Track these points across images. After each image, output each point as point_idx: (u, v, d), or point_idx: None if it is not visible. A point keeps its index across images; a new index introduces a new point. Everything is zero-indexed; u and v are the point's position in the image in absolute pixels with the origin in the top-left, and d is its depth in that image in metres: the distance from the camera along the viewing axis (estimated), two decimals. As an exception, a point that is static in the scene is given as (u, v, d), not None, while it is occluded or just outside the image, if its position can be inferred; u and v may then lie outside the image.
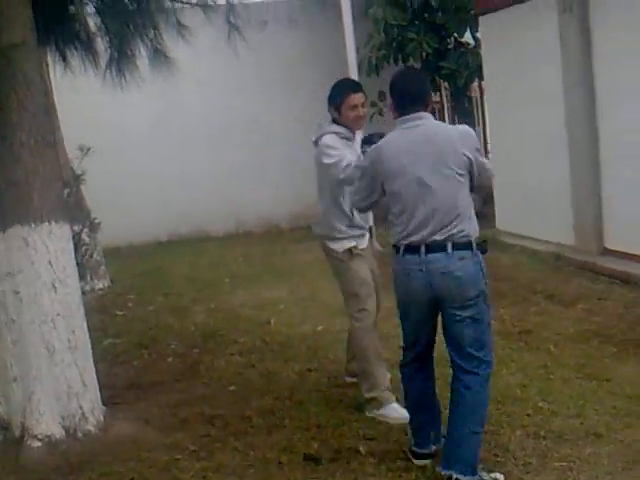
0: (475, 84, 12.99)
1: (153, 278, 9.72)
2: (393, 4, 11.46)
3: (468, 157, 3.72)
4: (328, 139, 4.68)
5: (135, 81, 7.00)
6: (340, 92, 4.74)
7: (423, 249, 3.70)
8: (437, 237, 3.67)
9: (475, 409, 3.77)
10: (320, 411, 4.84)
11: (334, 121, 4.77)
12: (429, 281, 3.70)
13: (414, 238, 3.72)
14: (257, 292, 8.30)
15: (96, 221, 9.33)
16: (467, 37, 11.90)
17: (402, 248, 3.78)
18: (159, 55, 7.43)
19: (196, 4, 7.51)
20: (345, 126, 4.73)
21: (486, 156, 13.30)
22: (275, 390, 5.31)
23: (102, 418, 4.84)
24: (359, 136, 4.87)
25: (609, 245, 7.96)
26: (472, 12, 10.81)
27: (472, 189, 3.80)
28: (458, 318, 3.72)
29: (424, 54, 11.66)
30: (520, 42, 9.23)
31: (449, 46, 12.02)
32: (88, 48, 6.70)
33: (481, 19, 10.34)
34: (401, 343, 4.10)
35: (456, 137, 3.79)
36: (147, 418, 5.02)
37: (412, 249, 3.74)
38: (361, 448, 4.26)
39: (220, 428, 4.78)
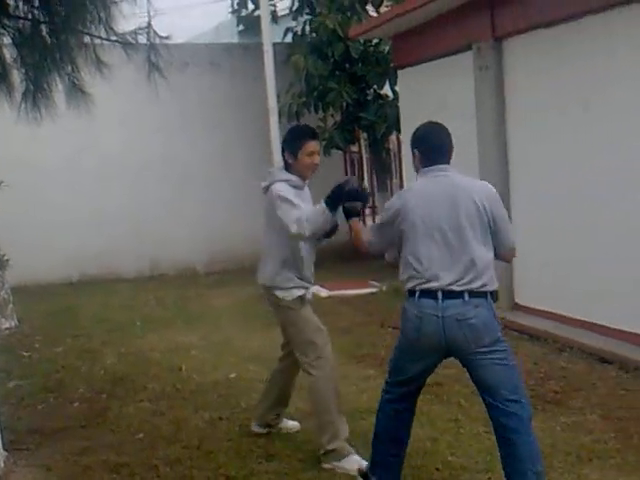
0: (393, 136, 13.24)
1: (62, 319, 9.46)
2: (315, 54, 11.65)
3: (489, 212, 3.87)
4: (280, 187, 4.56)
5: (51, 116, 6.88)
6: (299, 137, 4.67)
7: (440, 295, 3.79)
8: (455, 287, 3.77)
9: (531, 449, 3.80)
10: (229, 461, 4.75)
11: (286, 168, 4.70)
12: (443, 327, 3.78)
13: (432, 285, 3.81)
14: (169, 336, 8.16)
15: (4, 258, 9.06)
16: (386, 90, 12.17)
17: (418, 293, 3.84)
18: (76, 90, 7.33)
19: (116, 41, 7.44)
20: (298, 174, 4.65)
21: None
22: (184, 439, 5.19)
23: (2, 464, 4.67)
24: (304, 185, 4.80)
25: (519, 300, 8.13)
26: (392, 65, 11.05)
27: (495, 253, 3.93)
28: (481, 363, 3.81)
29: (344, 104, 11.85)
30: (437, 97, 9.45)
31: (369, 97, 12.26)
32: (3, 80, 6.57)
33: (400, 72, 10.56)
34: (387, 378, 4.15)
35: (477, 190, 3.95)
36: (49, 465, 4.86)
37: (429, 294, 3.81)
38: (270, 501, 4.21)
39: (125, 477, 4.65)
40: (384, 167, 13.54)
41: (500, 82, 8.19)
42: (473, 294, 3.76)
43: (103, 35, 7.39)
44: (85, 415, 5.82)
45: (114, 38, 7.48)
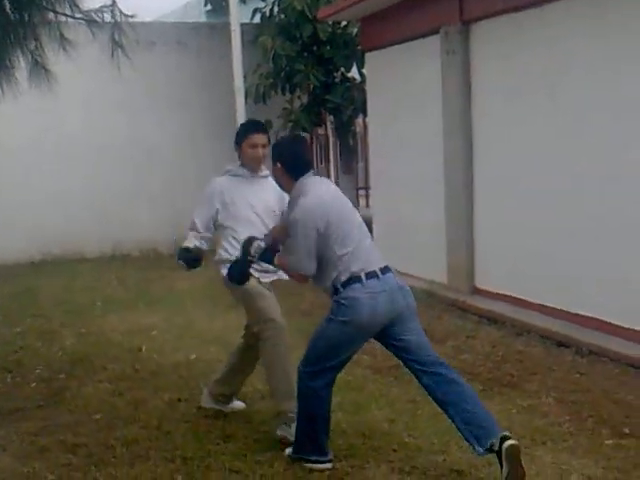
0: (360, 119, 13.25)
1: (22, 299, 9.35)
2: (283, 34, 11.60)
3: None
4: (210, 183, 5.01)
5: (13, 93, 6.79)
6: (243, 131, 4.98)
7: (379, 273, 4.12)
8: (384, 263, 4.20)
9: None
10: (187, 442, 4.75)
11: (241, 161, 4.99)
12: (392, 299, 4.13)
13: (372, 266, 4.14)
14: (130, 318, 8.11)
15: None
16: (354, 72, 12.15)
17: (363, 276, 4.11)
18: (39, 68, 7.23)
19: (81, 18, 7.34)
20: (246, 165, 4.93)
21: (367, 193, 13.55)
22: (142, 419, 5.17)
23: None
24: (267, 175, 4.97)
25: (479, 285, 8.21)
26: (359, 48, 11.03)
27: None
28: (417, 329, 4.33)
29: (311, 86, 11.82)
30: (404, 81, 9.47)
31: (336, 80, 12.24)
32: (-37, 56, 6.47)
33: (367, 55, 10.55)
34: (315, 365, 4.29)
35: None
36: (4, 445, 4.82)
37: (372, 275, 4.11)
38: (227, 481, 4.21)
39: (82, 457, 4.62)
40: (350, 150, 13.54)
41: (466, 66, 8.21)
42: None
43: (68, 12, 7.30)
44: (43, 395, 5.78)
45: (79, 16, 7.39)
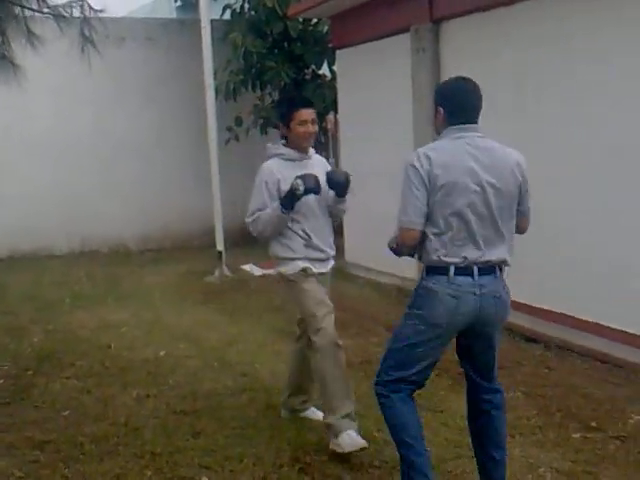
0: (331, 116, 13.22)
1: (-11, 296, 9.26)
2: (253, 31, 11.56)
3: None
4: (264, 168, 4.50)
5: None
6: (289, 107, 4.51)
7: (476, 271, 3.55)
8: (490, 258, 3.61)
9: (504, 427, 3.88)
10: (156, 438, 4.72)
11: (285, 141, 4.56)
12: (481, 305, 3.56)
13: (468, 259, 3.52)
14: (99, 314, 8.06)
15: None
16: (324, 69, 12.15)
17: (452, 270, 3.51)
18: (6, 62, 7.17)
19: (49, 13, 7.29)
20: (294, 145, 4.51)
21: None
22: (111, 416, 5.14)
23: None
24: (313, 153, 4.66)
25: (450, 280, 8.22)
26: (330, 45, 11.04)
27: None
28: (492, 343, 3.76)
29: (282, 83, 11.80)
30: (374, 79, 9.48)
31: (306, 77, 12.23)
32: None
33: (338, 53, 10.55)
34: (393, 373, 3.76)
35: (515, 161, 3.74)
36: (-30, 443, 4.77)
37: (464, 271, 3.52)
38: (196, 477, 4.19)
39: (50, 454, 4.58)
40: (321, 146, 13.52)
41: (436, 65, 8.23)
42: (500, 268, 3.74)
43: (35, 7, 7.24)
44: (10, 392, 5.72)
45: (46, 10, 7.34)
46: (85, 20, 7.11)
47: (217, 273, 10.00)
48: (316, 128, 4.50)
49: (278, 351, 6.36)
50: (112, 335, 7.17)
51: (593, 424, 4.72)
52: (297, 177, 4.31)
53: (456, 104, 3.74)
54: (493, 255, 3.61)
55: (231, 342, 6.81)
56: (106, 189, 12.47)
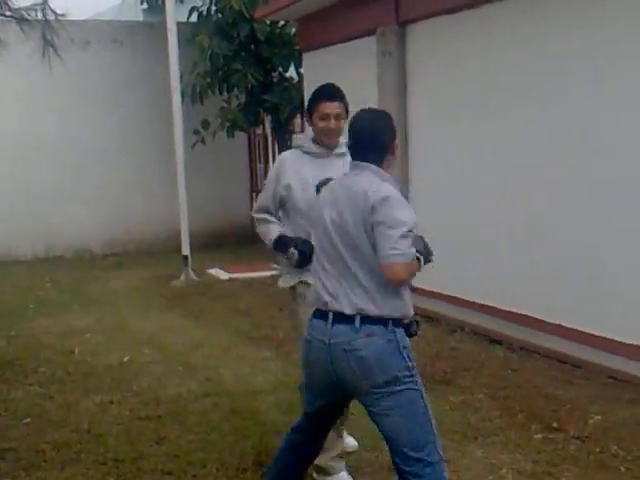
0: (298, 119, 13.23)
1: (-50, 302, 9.14)
2: (220, 34, 11.53)
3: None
4: (277, 160, 4.23)
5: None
6: (313, 100, 4.13)
7: (331, 316, 3.17)
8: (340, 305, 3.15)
9: None
10: (119, 444, 4.68)
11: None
12: (331, 357, 3.15)
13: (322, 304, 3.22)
14: (63, 319, 7.98)
15: None
16: (291, 72, 12.15)
17: (314, 309, 3.28)
18: (-33, 66, 7.09)
19: (11, 16, 7.22)
20: (317, 141, 4.08)
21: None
22: (73, 422, 5.08)
23: None
24: (344, 151, 3.95)
25: (416, 283, 8.24)
26: (297, 47, 11.04)
27: None
28: (376, 411, 3.16)
29: (249, 85, 11.78)
30: (340, 81, 9.37)
31: (274, 79, 12.21)
32: None
33: (305, 55, 10.56)
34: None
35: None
36: None
37: (322, 313, 3.22)
38: (158, 483, 4.18)
39: (11, 462, 4.52)
40: (288, 149, 13.51)
41: (402, 68, 8.25)
42: (366, 318, 3.12)
43: (-3, 10, 7.16)
44: (-30, 400, 5.65)
45: (9, 14, 7.26)
46: (47, 23, 7.04)
47: (183, 277, 9.95)
48: (341, 124, 4.04)
49: (243, 355, 6.36)
50: (76, 341, 7.10)
51: (554, 425, 4.74)
52: (297, 244, 3.87)
53: (350, 139, 3.36)
54: (345, 302, 3.14)
55: (196, 346, 6.78)
56: (71, 193, 12.36)
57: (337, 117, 4.03)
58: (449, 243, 7.58)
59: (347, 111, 4.06)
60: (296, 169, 4.05)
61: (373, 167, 3.26)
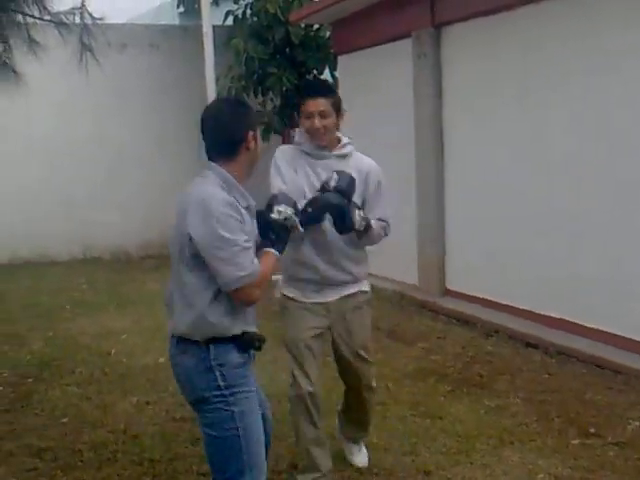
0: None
1: (-11, 303, 9.26)
2: (255, 37, 11.57)
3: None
4: (276, 152, 3.90)
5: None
6: (299, 98, 3.92)
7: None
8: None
9: None
10: (155, 445, 4.72)
11: None
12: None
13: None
14: (100, 321, 8.05)
15: None
16: (326, 75, 12.15)
17: None
18: (8, 70, 7.18)
19: (50, 20, 7.30)
20: (310, 142, 3.83)
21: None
22: (110, 423, 5.14)
23: None
24: (347, 153, 3.86)
25: (450, 286, 8.23)
26: (332, 51, 11.05)
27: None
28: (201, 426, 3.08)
29: (284, 89, 11.80)
30: (376, 84, 9.48)
31: (308, 83, 12.21)
32: None
33: (340, 58, 10.57)
34: None
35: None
36: (-31, 451, 4.77)
37: None
38: (194, 484, 4.20)
39: (48, 462, 4.58)
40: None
41: (438, 70, 8.25)
42: (181, 338, 3.02)
43: (36, 14, 7.24)
44: (9, 399, 5.71)
45: (47, 17, 7.34)
46: (85, 27, 7.11)
47: (218, 279, 9.97)
48: (329, 122, 3.71)
49: (276, 358, 6.33)
50: (112, 342, 7.16)
51: (592, 430, 4.70)
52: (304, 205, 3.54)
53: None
54: (173, 320, 3.08)
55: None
56: (106, 197, 12.46)
57: (322, 115, 3.71)
58: (485, 246, 7.57)
59: (338, 107, 3.76)
60: (292, 165, 3.80)
61: (218, 169, 2.99)
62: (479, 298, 7.63)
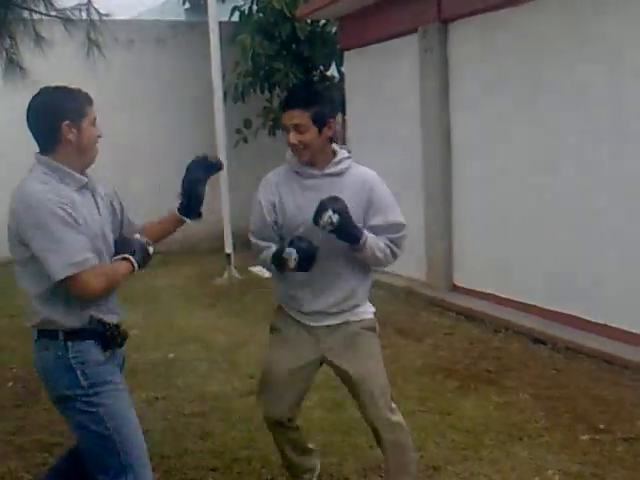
0: (339, 117, 13.22)
1: (-1, 298, 9.28)
2: (262, 33, 11.57)
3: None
4: (261, 184, 3.56)
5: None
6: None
7: None
8: None
9: None
10: (164, 440, 4.73)
11: None
12: None
13: None
14: (109, 316, 8.06)
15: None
16: (332, 71, 12.16)
17: None
18: (14, 66, 7.20)
19: (56, 16, 7.31)
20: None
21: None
22: (120, 418, 5.16)
23: None
24: (341, 166, 3.43)
25: (457, 282, 8.24)
26: (338, 46, 11.04)
27: None
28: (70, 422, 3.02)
29: (290, 84, 11.79)
30: (382, 79, 9.48)
31: (315, 78, 12.22)
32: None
33: (346, 54, 10.56)
34: None
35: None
36: (-20, 446, 4.79)
37: None
38: (204, 479, 4.20)
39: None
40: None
41: (444, 66, 8.23)
42: (41, 331, 2.97)
43: (43, 10, 7.26)
44: (20, 395, 5.74)
45: (54, 13, 7.36)
46: (91, 23, 7.13)
47: (226, 275, 10.01)
48: (306, 137, 3.29)
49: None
50: (121, 337, 7.17)
51: (601, 426, 4.71)
52: (292, 241, 3.26)
53: None
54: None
55: (240, 344, 6.81)
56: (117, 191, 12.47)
57: (297, 129, 3.29)
58: (493, 242, 7.57)
59: (320, 119, 3.29)
60: (282, 190, 3.43)
61: (43, 159, 2.94)
62: (487, 294, 7.64)
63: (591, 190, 6.35)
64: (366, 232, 3.32)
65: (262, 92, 11.99)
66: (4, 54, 7.11)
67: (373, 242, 3.34)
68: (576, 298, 6.52)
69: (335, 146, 3.47)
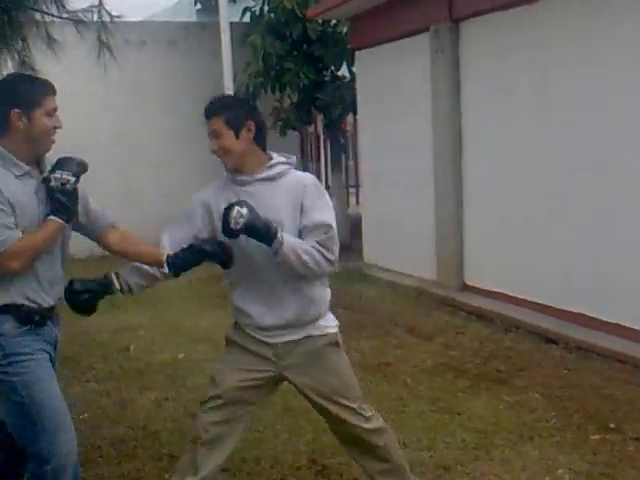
0: (350, 118, 13.22)
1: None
2: (273, 33, 11.57)
3: None
4: (192, 200, 3.56)
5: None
6: None
7: None
8: None
9: None
10: (174, 441, 4.72)
11: None
12: None
13: None
14: (117, 317, 8.03)
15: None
16: (344, 71, 12.14)
17: None
18: (26, 67, 7.23)
19: (68, 18, 7.34)
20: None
21: (357, 190, 13.46)
22: (129, 419, 5.15)
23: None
24: (275, 170, 3.26)
25: (468, 281, 8.21)
26: (349, 46, 11.03)
27: None
28: None
29: (301, 84, 11.79)
30: (393, 79, 9.46)
31: (326, 78, 12.21)
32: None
33: (357, 54, 10.55)
34: None
35: None
36: (-11, 447, 4.79)
37: None
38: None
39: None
40: (340, 148, 13.52)
41: (456, 65, 8.21)
42: None
43: (54, 12, 7.29)
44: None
45: (65, 15, 7.39)
46: (102, 25, 7.15)
47: (235, 276, 9.99)
48: (221, 142, 3.24)
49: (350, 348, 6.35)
50: (130, 338, 7.19)
51: (612, 425, 4.67)
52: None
53: None
54: None
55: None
56: (123, 193, 12.50)
57: (215, 135, 3.25)
58: (504, 241, 7.54)
59: (234, 122, 3.20)
60: (218, 199, 3.31)
61: None
62: (498, 293, 7.61)
63: (602, 190, 6.31)
64: (284, 233, 3.12)
65: (273, 92, 11.99)
66: (16, 56, 7.14)
67: (295, 243, 3.13)
68: (588, 297, 6.48)
69: (273, 153, 3.33)
